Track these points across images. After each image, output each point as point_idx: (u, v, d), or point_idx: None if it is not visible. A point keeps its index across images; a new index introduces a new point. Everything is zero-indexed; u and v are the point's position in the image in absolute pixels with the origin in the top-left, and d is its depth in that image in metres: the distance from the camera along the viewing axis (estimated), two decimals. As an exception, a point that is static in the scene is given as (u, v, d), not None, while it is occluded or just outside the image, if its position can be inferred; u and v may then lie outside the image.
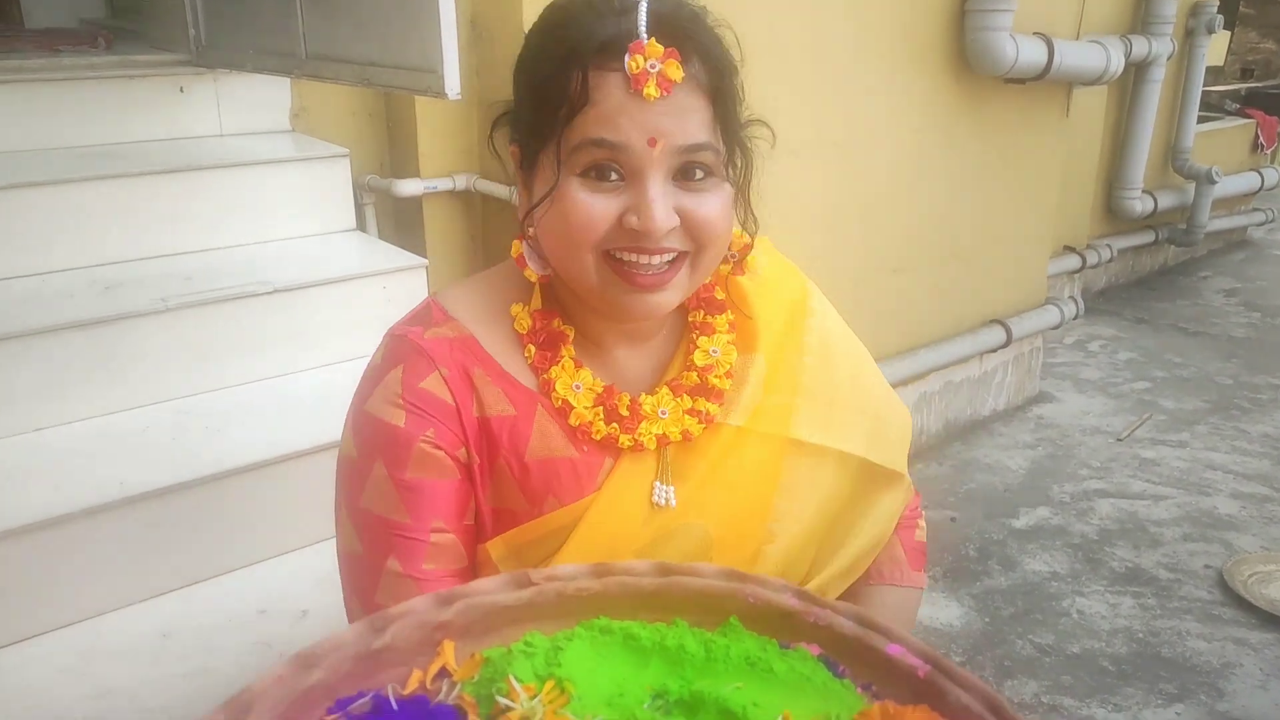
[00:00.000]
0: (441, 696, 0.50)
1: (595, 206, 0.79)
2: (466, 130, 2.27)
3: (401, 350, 0.87)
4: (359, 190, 2.27)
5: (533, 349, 0.89)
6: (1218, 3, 4.43)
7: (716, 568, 0.58)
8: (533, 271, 0.88)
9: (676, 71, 0.76)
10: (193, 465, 1.57)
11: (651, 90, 0.76)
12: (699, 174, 0.80)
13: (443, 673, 0.51)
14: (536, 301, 0.91)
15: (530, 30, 0.85)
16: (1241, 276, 5.00)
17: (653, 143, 0.77)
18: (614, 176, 0.79)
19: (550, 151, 0.80)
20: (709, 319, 0.94)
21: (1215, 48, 4.68)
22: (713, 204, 0.81)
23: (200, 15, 2.14)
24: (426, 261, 2.04)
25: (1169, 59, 4.09)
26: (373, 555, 0.85)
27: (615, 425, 0.88)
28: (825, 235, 2.59)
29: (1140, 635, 2.23)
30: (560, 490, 0.88)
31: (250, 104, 2.26)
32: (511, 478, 0.87)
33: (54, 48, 2.36)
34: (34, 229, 1.83)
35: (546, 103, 0.79)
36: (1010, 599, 2.36)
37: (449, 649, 0.52)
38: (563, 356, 0.89)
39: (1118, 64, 3.04)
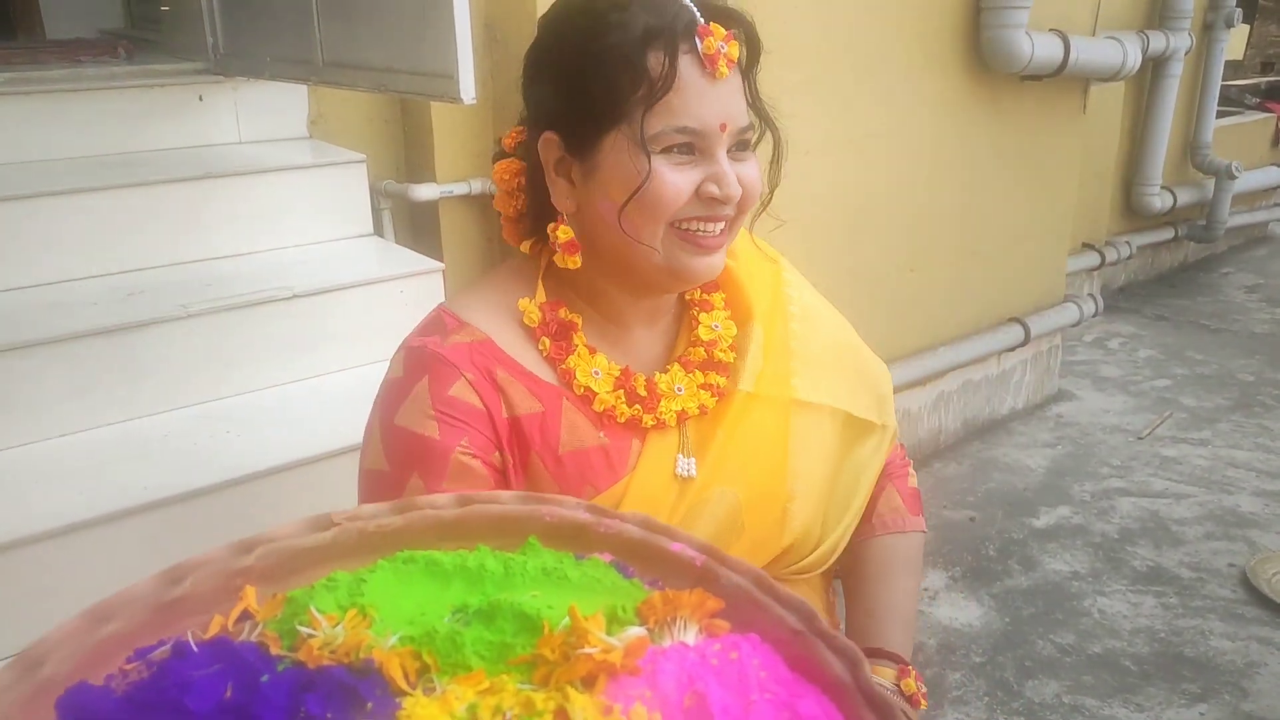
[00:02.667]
0: (244, 636, 0.50)
1: (681, 181, 0.85)
2: (482, 134, 2.28)
3: (424, 360, 0.89)
4: (376, 195, 2.29)
5: (547, 341, 0.92)
6: (1236, -4, 4.40)
7: (514, 493, 0.60)
8: (576, 260, 0.90)
9: (737, 50, 0.85)
10: (215, 469, 1.59)
11: (724, 69, 0.84)
12: (741, 148, 0.89)
13: (245, 615, 0.52)
14: (541, 295, 0.94)
15: (564, 16, 0.87)
16: (1263, 272, 4.95)
17: (723, 128, 0.85)
18: (683, 152, 0.86)
19: (620, 133, 0.84)
20: (706, 297, 1.00)
21: (1234, 42, 4.63)
22: (754, 171, 0.90)
23: (218, 24, 2.16)
24: (443, 265, 2.05)
25: (1187, 54, 4.06)
26: None
27: (638, 406, 0.92)
28: (842, 234, 2.59)
29: (1162, 635, 2.21)
30: (595, 478, 0.91)
31: (268, 111, 2.27)
32: (546, 472, 0.90)
33: (75, 58, 2.39)
34: (57, 237, 1.85)
35: (619, 86, 0.83)
36: (1031, 599, 2.35)
37: (251, 593, 0.52)
38: (576, 345, 0.93)
39: (1135, 60, 3.02)
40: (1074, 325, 3.41)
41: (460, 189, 2.27)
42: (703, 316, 0.98)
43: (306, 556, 0.56)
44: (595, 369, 0.92)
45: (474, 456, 0.87)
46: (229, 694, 0.44)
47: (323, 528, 0.56)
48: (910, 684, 0.99)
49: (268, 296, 1.84)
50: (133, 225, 1.92)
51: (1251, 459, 3.01)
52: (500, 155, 0.96)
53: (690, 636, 0.50)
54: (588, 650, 0.46)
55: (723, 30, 0.83)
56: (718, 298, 1.00)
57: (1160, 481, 2.89)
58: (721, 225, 0.89)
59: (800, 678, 0.50)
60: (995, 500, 2.80)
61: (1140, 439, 3.16)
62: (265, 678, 0.45)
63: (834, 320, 1.09)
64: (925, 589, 2.37)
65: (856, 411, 1.04)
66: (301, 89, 2.26)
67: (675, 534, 0.57)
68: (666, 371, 0.95)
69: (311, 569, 0.55)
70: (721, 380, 0.96)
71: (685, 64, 0.83)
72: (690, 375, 0.95)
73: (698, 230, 0.87)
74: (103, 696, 0.45)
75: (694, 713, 0.45)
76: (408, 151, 2.37)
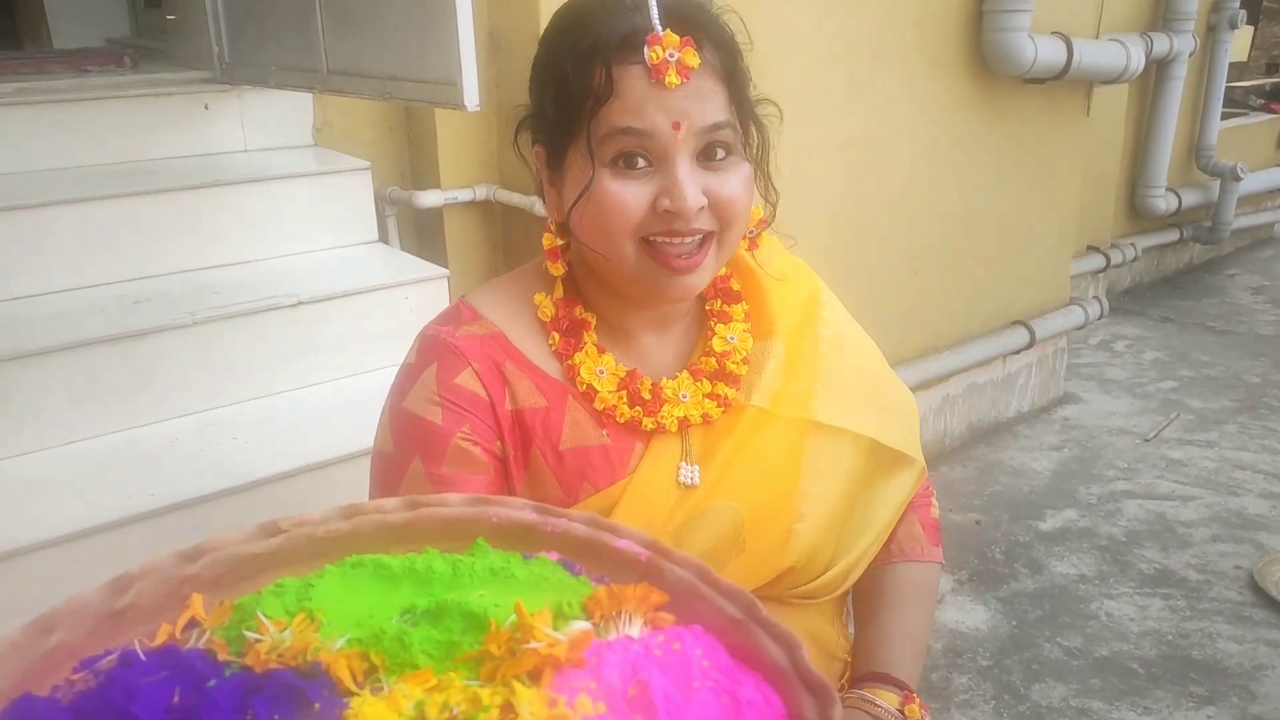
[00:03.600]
0: (192, 644, 0.50)
1: (628, 194, 0.83)
2: (486, 141, 2.29)
3: (435, 349, 0.92)
4: (381, 202, 2.30)
5: (556, 336, 0.93)
6: (1240, -2, 4.39)
7: (462, 495, 0.60)
8: (558, 267, 0.93)
9: (693, 58, 0.81)
10: (221, 476, 1.59)
11: (672, 78, 0.80)
12: (720, 153, 0.85)
13: (192, 623, 0.52)
14: (559, 291, 0.95)
15: (545, 32, 0.89)
16: (1269, 274, 4.94)
17: (677, 126, 0.81)
18: (642, 163, 0.83)
19: (579, 146, 0.84)
20: (726, 308, 0.99)
21: (1239, 43, 4.63)
22: (735, 182, 0.86)
23: (224, 33, 2.18)
24: (448, 272, 2.06)
25: (1191, 55, 4.05)
26: None
27: (639, 409, 0.92)
28: (845, 237, 2.59)
29: (1170, 637, 2.20)
30: (594, 476, 0.91)
31: (273, 120, 2.29)
32: (546, 467, 0.91)
33: (82, 67, 2.41)
34: (64, 246, 1.86)
35: (571, 99, 0.83)
36: (1037, 602, 2.34)
37: (197, 601, 0.53)
38: (585, 343, 0.93)
39: (1138, 62, 3.02)
40: (1079, 328, 3.40)
41: (465, 195, 2.28)
42: (719, 327, 0.97)
43: (254, 563, 0.56)
44: (600, 368, 0.93)
45: (474, 443, 0.89)
46: (176, 699, 0.44)
47: (270, 534, 0.57)
48: (914, 710, 0.97)
49: (273, 304, 1.85)
50: (139, 234, 1.93)
51: (1258, 461, 3.00)
52: None
53: (635, 629, 0.51)
54: (533, 645, 0.47)
55: (676, 38, 0.80)
56: (738, 309, 0.99)
57: (1167, 484, 2.88)
58: (695, 240, 0.85)
59: (741, 665, 0.51)
60: (1001, 503, 2.79)
61: (1146, 441, 3.15)
62: (212, 683, 0.46)
63: (866, 348, 1.07)
64: (931, 593, 2.36)
65: (886, 441, 1.02)
66: (307, 97, 2.27)
67: (620, 530, 0.58)
68: (675, 378, 0.95)
69: (259, 575, 0.56)
70: (730, 392, 0.95)
71: (632, 73, 0.81)
72: (698, 384, 0.94)
73: (663, 244, 0.85)
74: (48, 707, 0.45)
75: (637, 702, 0.46)
76: (412, 158, 2.38)
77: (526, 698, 0.44)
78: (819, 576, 1.00)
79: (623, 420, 0.92)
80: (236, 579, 0.55)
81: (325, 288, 1.92)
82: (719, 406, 0.94)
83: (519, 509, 0.59)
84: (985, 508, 2.77)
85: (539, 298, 0.95)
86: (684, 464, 0.93)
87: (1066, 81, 2.91)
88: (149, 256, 1.96)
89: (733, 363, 0.96)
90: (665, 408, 0.93)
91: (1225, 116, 4.75)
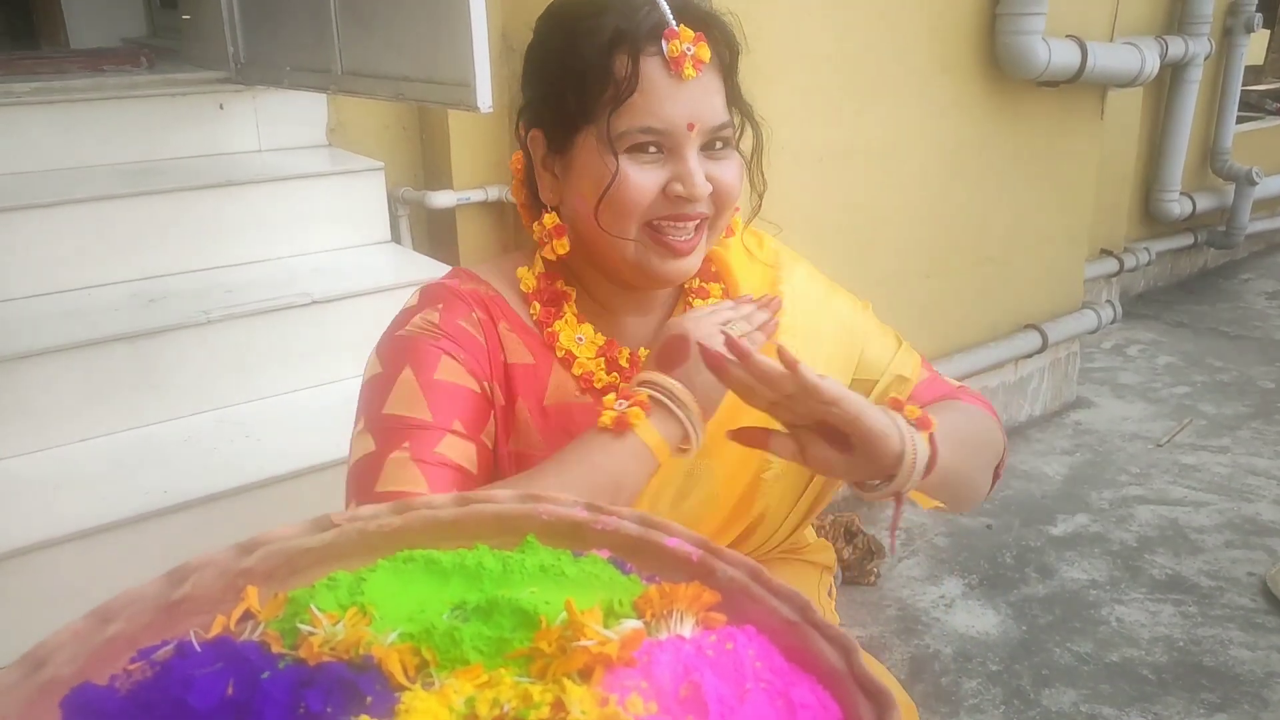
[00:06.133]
0: (246, 636, 0.51)
1: (644, 179, 0.88)
2: (498, 142, 2.30)
3: (440, 294, 0.96)
4: (393, 202, 2.31)
5: (538, 305, 0.97)
6: (1256, 1, 4.36)
7: (511, 492, 0.61)
8: (564, 244, 0.94)
9: (706, 52, 0.87)
10: (235, 474, 1.60)
11: (689, 71, 0.86)
12: (720, 145, 0.91)
13: (247, 615, 0.53)
14: (539, 265, 0.99)
15: (549, 21, 0.92)
16: (1284, 278, 4.91)
17: (691, 126, 0.87)
18: (653, 150, 0.88)
19: (591, 133, 0.88)
20: (704, 285, 1.03)
21: (1255, 46, 4.60)
22: (731, 170, 0.92)
23: (239, 34, 2.19)
24: (460, 272, 2.06)
25: (1206, 59, 4.03)
26: (385, 449, 0.87)
27: (615, 374, 0.96)
28: (857, 241, 2.59)
29: (1181, 644, 2.19)
30: (577, 434, 0.92)
31: (287, 120, 2.30)
32: (531, 422, 0.95)
33: (98, 67, 2.43)
34: (80, 244, 1.88)
35: (587, 88, 0.87)
36: (1048, 607, 2.33)
37: (252, 594, 0.53)
38: (565, 312, 0.98)
39: (1153, 65, 3.00)
40: (1092, 332, 3.39)
41: (477, 196, 2.29)
42: (696, 303, 1.01)
43: (307, 557, 0.56)
44: (580, 335, 0.97)
45: (465, 367, 0.91)
46: (231, 691, 0.45)
47: (323, 528, 0.57)
48: (914, 410, 0.88)
49: (287, 303, 1.86)
50: (154, 233, 1.95)
51: (1271, 467, 2.98)
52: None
53: (687, 629, 0.51)
54: (584, 643, 0.47)
55: (690, 32, 0.85)
56: (715, 288, 1.03)
57: (1179, 489, 2.87)
58: (695, 224, 0.91)
59: (796, 667, 0.50)
60: (1012, 508, 2.78)
61: (1159, 446, 3.14)
62: (266, 675, 0.46)
63: (829, 300, 1.07)
64: (941, 596, 2.36)
65: (860, 375, 1.04)
66: (321, 97, 2.28)
67: (671, 529, 0.58)
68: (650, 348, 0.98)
69: (312, 569, 0.56)
70: None
71: (652, 66, 0.86)
72: None
73: (669, 231, 0.90)
74: (107, 696, 0.46)
75: (689, 702, 0.46)
76: (425, 159, 2.39)
77: (577, 696, 0.44)
78: (788, 536, 1.04)
79: (600, 386, 0.96)
80: (290, 572, 0.56)
81: (338, 287, 1.93)
82: None
83: (569, 506, 0.60)
84: (996, 512, 2.76)
85: (521, 271, 0.99)
86: None
87: (1080, 85, 2.90)
88: (163, 255, 1.97)
89: None
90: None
91: (1241, 120, 4.72)
